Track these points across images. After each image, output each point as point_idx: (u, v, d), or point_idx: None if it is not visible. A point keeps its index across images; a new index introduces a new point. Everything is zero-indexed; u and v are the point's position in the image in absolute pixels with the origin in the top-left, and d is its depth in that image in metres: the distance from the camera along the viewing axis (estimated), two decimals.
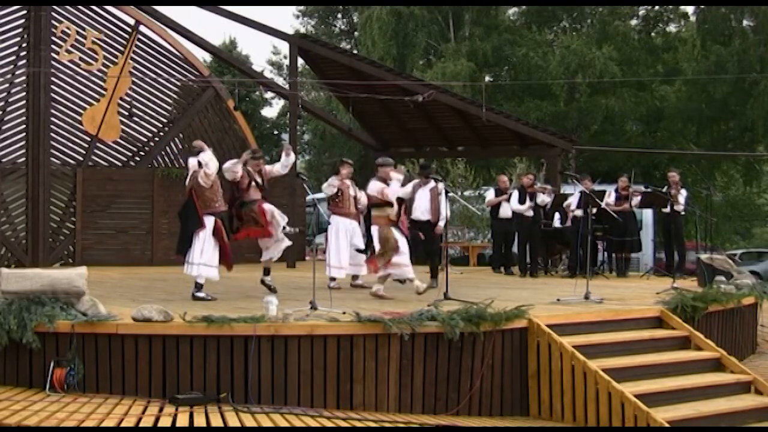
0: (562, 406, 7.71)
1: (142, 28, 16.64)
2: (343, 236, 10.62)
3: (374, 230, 9.91)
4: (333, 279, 10.51)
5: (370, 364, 7.29)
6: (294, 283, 11.53)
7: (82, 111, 16.14)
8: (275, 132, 36.90)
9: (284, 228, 9.74)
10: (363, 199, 10.75)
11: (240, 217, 9.72)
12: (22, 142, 15.55)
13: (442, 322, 7.47)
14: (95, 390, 7.04)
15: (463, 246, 19.92)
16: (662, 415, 7.13)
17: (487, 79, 30.60)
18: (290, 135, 17.47)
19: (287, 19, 77.57)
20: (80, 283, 7.46)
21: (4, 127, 15.45)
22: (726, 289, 10.35)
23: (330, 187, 10.70)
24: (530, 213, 14.07)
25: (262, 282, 9.94)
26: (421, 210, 11.10)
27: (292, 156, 10.28)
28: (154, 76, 16.82)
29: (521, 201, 14.06)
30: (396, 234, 9.82)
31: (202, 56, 22.54)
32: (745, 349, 10.38)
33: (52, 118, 15.77)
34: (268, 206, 9.70)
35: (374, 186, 10.03)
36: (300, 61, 18.36)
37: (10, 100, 15.53)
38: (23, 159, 15.51)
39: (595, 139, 27.54)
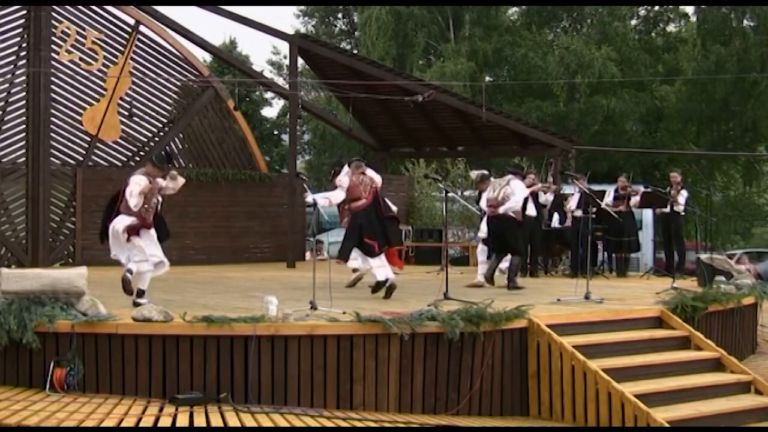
0: (562, 406, 7.71)
1: (142, 28, 16.63)
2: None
3: None
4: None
5: (370, 364, 7.29)
6: (294, 283, 11.53)
7: (82, 111, 16.13)
8: (275, 132, 36.89)
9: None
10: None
11: None
12: (22, 142, 15.53)
13: (442, 322, 7.47)
14: (95, 390, 7.04)
15: (463, 246, 19.91)
16: (662, 415, 7.14)
17: (487, 79, 30.58)
18: (290, 135, 17.48)
19: (287, 19, 77.65)
20: (80, 283, 7.47)
21: (4, 127, 15.43)
22: (726, 289, 10.36)
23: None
24: (533, 212, 14.03)
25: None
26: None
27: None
28: (154, 76, 16.81)
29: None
30: None
31: (202, 56, 22.55)
32: (745, 349, 10.38)
33: (52, 118, 15.75)
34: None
35: None
36: (300, 61, 18.36)
37: (10, 100, 15.51)
38: (23, 159, 15.50)
39: (595, 139, 27.51)
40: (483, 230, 11.89)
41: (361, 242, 9.94)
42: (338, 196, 10.00)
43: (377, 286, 9.98)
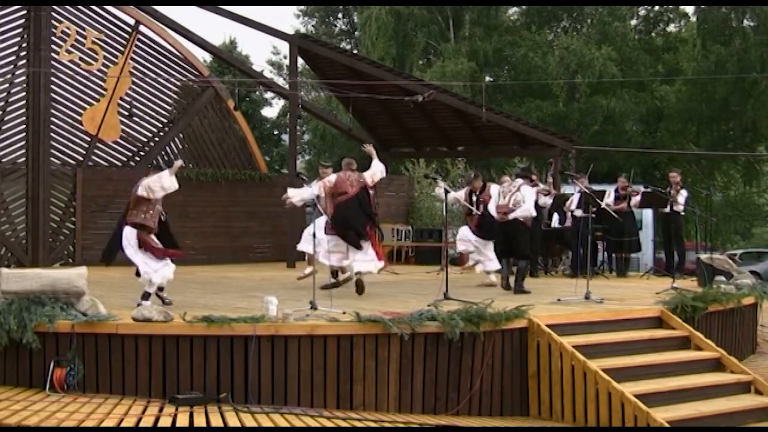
0: (562, 406, 7.71)
1: (142, 28, 16.64)
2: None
3: None
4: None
5: (370, 364, 7.29)
6: (294, 283, 11.52)
7: (82, 111, 16.13)
8: (275, 132, 36.87)
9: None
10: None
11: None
12: (22, 142, 15.54)
13: (442, 322, 7.47)
14: (95, 390, 7.04)
15: None
16: (662, 415, 7.14)
17: (487, 79, 30.57)
18: (290, 135, 17.48)
19: (287, 19, 77.63)
20: (80, 283, 7.47)
21: (4, 127, 15.44)
22: (726, 289, 10.35)
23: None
24: (533, 213, 13.99)
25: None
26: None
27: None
28: (154, 76, 16.82)
29: None
30: None
31: (202, 56, 22.54)
32: (745, 349, 10.38)
33: (52, 118, 15.76)
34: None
35: None
36: (300, 61, 18.36)
37: (10, 100, 15.52)
38: (23, 159, 15.51)
39: (595, 139, 27.50)
40: (463, 235, 12.29)
41: (349, 235, 10.25)
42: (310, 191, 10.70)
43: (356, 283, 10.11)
